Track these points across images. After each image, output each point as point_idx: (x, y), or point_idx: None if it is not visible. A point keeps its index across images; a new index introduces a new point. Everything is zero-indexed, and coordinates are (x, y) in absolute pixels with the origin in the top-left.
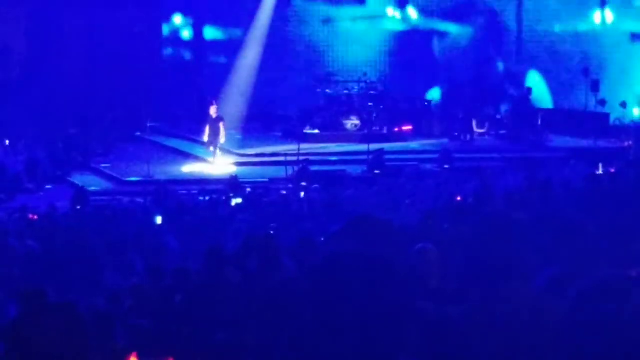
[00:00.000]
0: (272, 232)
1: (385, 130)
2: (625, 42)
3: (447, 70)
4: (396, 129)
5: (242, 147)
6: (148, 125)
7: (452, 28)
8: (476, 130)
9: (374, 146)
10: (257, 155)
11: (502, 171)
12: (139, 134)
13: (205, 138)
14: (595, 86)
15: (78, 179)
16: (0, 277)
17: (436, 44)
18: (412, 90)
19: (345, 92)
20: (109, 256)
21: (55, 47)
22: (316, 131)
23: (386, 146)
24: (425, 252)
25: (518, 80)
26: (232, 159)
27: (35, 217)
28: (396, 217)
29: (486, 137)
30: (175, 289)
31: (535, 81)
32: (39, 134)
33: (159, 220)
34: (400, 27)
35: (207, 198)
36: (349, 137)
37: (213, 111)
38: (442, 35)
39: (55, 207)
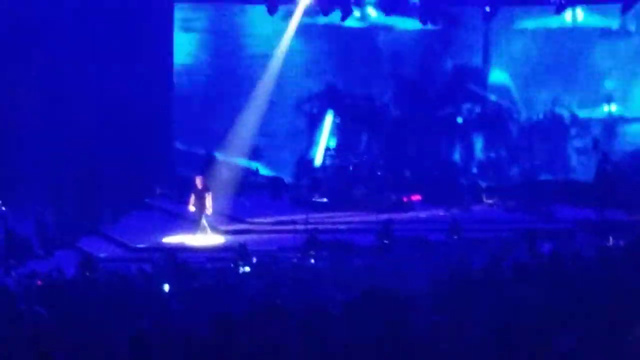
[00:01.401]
0: (279, 301)
1: (393, 199)
2: (596, 39)
3: (395, 67)
4: (404, 198)
5: (251, 214)
6: (157, 191)
7: (407, 24)
8: (485, 201)
9: (382, 215)
10: (265, 224)
11: (511, 242)
12: (148, 200)
13: (191, 208)
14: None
15: (86, 244)
16: (9, 343)
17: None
18: (366, 88)
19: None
20: (117, 323)
21: (66, 104)
22: (324, 200)
23: (394, 215)
24: (438, 325)
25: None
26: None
27: (44, 283)
28: (405, 286)
29: (494, 207)
30: (184, 354)
31: (500, 78)
32: (48, 195)
33: (166, 287)
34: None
35: (215, 265)
36: (357, 206)
37: (199, 182)
38: (391, 30)
39: (63, 273)
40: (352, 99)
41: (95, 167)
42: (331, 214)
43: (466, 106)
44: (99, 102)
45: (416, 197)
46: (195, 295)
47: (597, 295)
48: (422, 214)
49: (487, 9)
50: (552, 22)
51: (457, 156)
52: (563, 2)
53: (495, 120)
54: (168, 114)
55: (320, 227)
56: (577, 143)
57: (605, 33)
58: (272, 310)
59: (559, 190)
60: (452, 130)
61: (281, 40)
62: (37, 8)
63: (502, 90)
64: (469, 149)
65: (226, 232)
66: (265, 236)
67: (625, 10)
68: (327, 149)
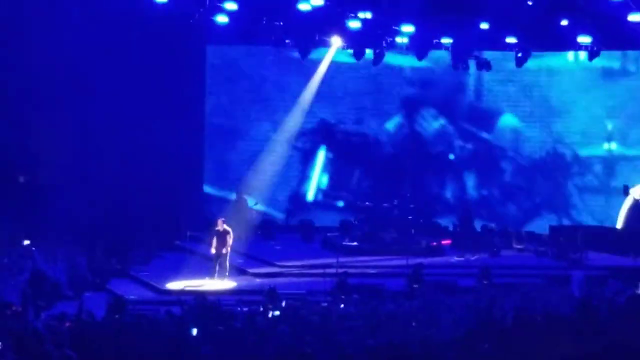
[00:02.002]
0: (309, 349)
1: (424, 244)
2: (597, 78)
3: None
4: (434, 243)
5: (281, 258)
6: (188, 234)
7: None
8: (515, 246)
9: (412, 260)
10: (295, 267)
11: (542, 289)
12: (178, 242)
13: (213, 250)
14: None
15: (116, 286)
16: None
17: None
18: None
19: (385, 205)
20: None
21: (99, 147)
22: (355, 243)
23: (425, 260)
24: None
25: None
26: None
27: (73, 325)
28: (435, 333)
29: (525, 253)
30: None
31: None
32: (79, 237)
33: (194, 331)
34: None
35: (245, 309)
36: (387, 250)
37: (220, 224)
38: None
39: (93, 315)
40: (344, 134)
41: (126, 209)
42: (361, 258)
43: (458, 143)
44: (130, 146)
45: (446, 242)
46: (224, 340)
47: (629, 344)
48: (452, 259)
49: (520, 54)
50: (555, 61)
51: (448, 193)
52: (595, 48)
53: (487, 158)
54: (198, 158)
55: (350, 271)
56: (577, 181)
57: (607, 73)
58: (300, 357)
59: (590, 236)
60: (444, 168)
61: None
62: (69, 55)
63: (505, 130)
64: (460, 186)
65: (256, 275)
66: (295, 279)
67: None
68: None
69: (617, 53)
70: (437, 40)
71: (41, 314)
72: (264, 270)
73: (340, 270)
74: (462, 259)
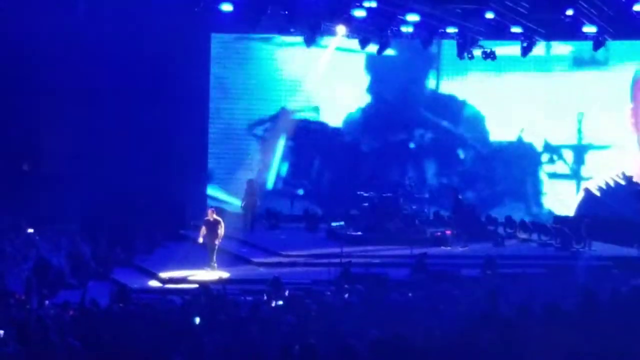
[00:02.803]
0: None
1: (428, 234)
2: (568, 68)
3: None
4: (438, 233)
5: (285, 247)
6: (192, 223)
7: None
8: (519, 236)
9: (417, 249)
10: (299, 257)
11: (546, 279)
12: (182, 232)
13: (200, 240)
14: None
15: (120, 275)
16: None
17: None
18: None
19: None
20: (149, 355)
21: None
22: (359, 233)
23: (429, 250)
24: None
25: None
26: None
27: (77, 314)
28: (439, 323)
29: (530, 243)
30: None
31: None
32: (83, 226)
33: (197, 320)
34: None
35: (249, 298)
36: (392, 240)
37: (210, 215)
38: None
39: (97, 304)
40: (305, 123)
41: (130, 198)
42: (366, 248)
43: (419, 132)
44: (135, 135)
45: (450, 232)
46: (228, 329)
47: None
48: (456, 249)
49: (525, 44)
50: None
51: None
52: (600, 38)
53: (446, 146)
54: (202, 146)
55: (354, 260)
56: (548, 168)
57: (578, 60)
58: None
59: (595, 225)
60: (404, 156)
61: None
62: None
63: (472, 120)
64: (420, 174)
65: (260, 265)
66: (299, 269)
67: (596, 48)
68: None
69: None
70: (443, 30)
71: (45, 302)
72: (268, 260)
73: (344, 260)
74: (464, 249)
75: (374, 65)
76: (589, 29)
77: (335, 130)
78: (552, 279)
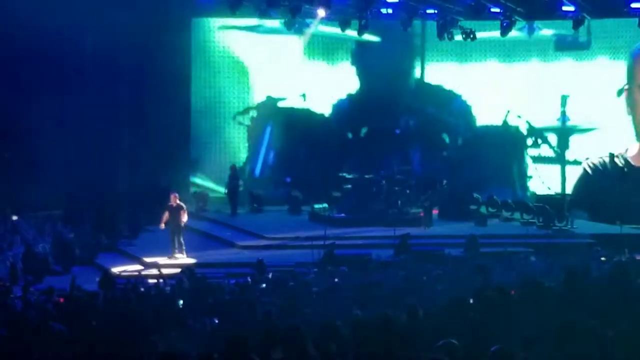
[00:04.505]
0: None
1: (410, 214)
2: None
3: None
4: (421, 213)
5: (269, 230)
6: None
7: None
8: (501, 215)
9: (399, 230)
10: (283, 239)
11: (528, 258)
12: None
13: (162, 226)
14: None
15: (105, 261)
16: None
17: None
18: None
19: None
20: (133, 338)
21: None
22: (342, 215)
23: (412, 230)
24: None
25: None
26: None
27: (62, 300)
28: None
29: (513, 222)
30: None
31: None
32: (66, 213)
33: (181, 303)
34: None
35: (232, 281)
36: (374, 221)
37: (173, 200)
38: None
39: (81, 289)
40: (291, 111)
41: (113, 184)
42: (349, 230)
43: (403, 118)
44: (119, 121)
45: (433, 212)
46: (213, 312)
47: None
48: (439, 229)
49: (505, 23)
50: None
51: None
52: (579, 17)
53: (431, 132)
54: (185, 130)
55: (338, 242)
56: (533, 152)
57: (560, 42)
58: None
59: (577, 204)
60: (390, 142)
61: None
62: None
63: (459, 107)
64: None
65: (244, 248)
66: (283, 252)
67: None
68: None
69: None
70: (422, 11)
71: (29, 288)
72: (252, 243)
73: (328, 242)
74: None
75: (361, 53)
76: (568, 7)
77: (322, 118)
78: (534, 258)
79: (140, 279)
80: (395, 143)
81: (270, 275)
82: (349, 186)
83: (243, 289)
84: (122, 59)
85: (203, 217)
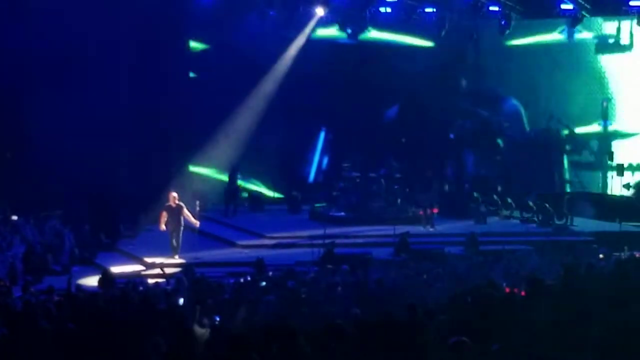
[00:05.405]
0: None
1: (410, 213)
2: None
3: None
4: (421, 212)
5: (268, 229)
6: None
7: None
8: (501, 213)
9: (399, 229)
10: (283, 238)
11: (528, 255)
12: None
13: (162, 227)
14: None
15: (104, 260)
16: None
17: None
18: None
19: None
20: (134, 338)
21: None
22: (342, 214)
23: (411, 229)
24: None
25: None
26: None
27: (63, 299)
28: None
29: (512, 220)
30: None
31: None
32: (66, 213)
33: (181, 301)
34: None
35: (232, 281)
36: (374, 220)
37: (172, 200)
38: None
39: (81, 289)
40: (347, 116)
41: (114, 183)
42: (349, 228)
43: (457, 122)
44: (119, 120)
45: (433, 211)
46: (213, 311)
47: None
48: (439, 227)
49: (503, 22)
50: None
51: (449, 171)
52: (579, 15)
53: (484, 135)
54: (184, 130)
55: (337, 241)
56: (572, 157)
57: (601, 45)
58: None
59: (577, 202)
60: (444, 146)
61: (285, 52)
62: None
63: (511, 111)
64: (460, 164)
65: (244, 247)
66: (283, 251)
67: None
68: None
69: (612, 25)
70: (421, 10)
71: (29, 288)
72: (252, 242)
73: (327, 241)
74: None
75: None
76: (567, 6)
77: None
78: (534, 255)
79: (140, 278)
80: (449, 147)
81: (270, 274)
82: (349, 185)
83: (243, 288)
84: (124, 59)
85: (203, 217)
